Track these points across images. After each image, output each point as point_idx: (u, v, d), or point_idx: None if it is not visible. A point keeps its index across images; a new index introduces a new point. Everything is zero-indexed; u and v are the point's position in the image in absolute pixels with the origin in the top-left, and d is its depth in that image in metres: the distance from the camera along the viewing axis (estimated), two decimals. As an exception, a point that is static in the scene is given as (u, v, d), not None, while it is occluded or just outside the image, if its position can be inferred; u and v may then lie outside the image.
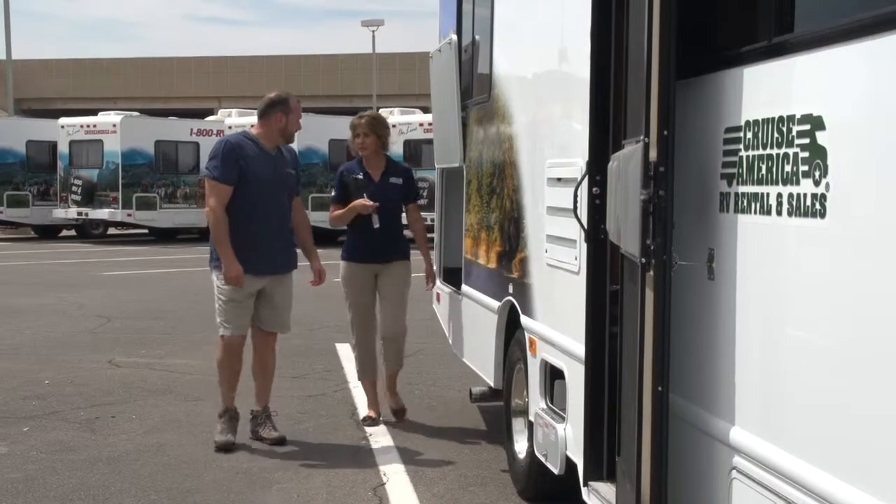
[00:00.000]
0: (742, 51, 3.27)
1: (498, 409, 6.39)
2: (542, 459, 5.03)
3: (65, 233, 29.63)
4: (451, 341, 7.46)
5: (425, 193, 23.65)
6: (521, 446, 5.68)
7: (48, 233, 29.06)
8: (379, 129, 7.06)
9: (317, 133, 25.69)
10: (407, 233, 7.34)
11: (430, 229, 7.57)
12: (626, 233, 3.53)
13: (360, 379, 7.25)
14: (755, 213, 3.12)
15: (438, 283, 7.56)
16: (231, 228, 6.31)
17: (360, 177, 7.00)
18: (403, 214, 7.25)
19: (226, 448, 6.30)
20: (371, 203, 6.89)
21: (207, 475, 5.56)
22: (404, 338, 7.20)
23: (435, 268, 7.48)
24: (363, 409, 7.51)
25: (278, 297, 6.57)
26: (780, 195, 2.97)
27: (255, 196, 6.36)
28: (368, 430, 6.92)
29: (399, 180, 7.10)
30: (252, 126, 6.65)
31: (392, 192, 7.03)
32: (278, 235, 6.48)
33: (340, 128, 26.79)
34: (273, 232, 6.45)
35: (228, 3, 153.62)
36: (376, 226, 6.91)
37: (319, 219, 25.11)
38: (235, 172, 6.32)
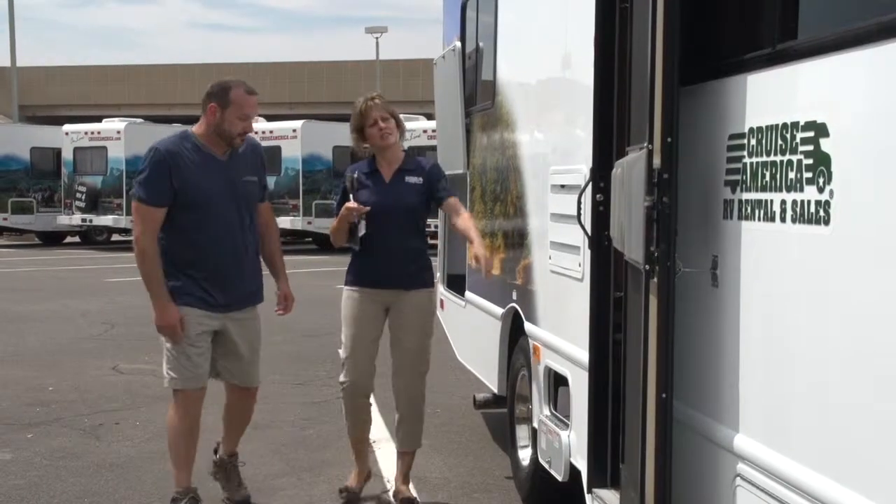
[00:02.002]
0: (746, 58, 3.27)
1: (502, 416, 6.38)
2: (546, 466, 5.03)
3: (69, 239, 29.69)
4: (454, 348, 7.46)
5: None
6: (524, 453, 5.68)
7: (52, 239, 29.10)
8: (394, 110, 5.48)
9: (320, 140, 25.78)
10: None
11: (435, 236, 7.35)
12: (630, 240, 3.53)
13: (349, 434, 5.71)
14: (759, 219, 3.11)
15: (442, 289, 7.51)
16: (171, 258, 5.03)
17: (356, 176, 5.42)
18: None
19: None
20: (356, 206, 5.30)
21: (211, 482, 5.55)
22: (423, 403, 5.62)
23: (438, 275, 7.18)
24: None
25: (242, 341, 5.23)
26: (783, 202, 2.97)
27: (200, 218, 5.00)
28: (372, 437, 6.91)
29: (419, 179, 5.37)
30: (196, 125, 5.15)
31: (408, 195, 5.36)
32: (234, 262, 5.12)
33: (344, 134, 26.51)
34: (226, 259, 5.09)
35: (232, 11, 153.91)
36: (360, 233, 5.32)
37: (323, 226, 25.23)
38: (168, 191, 4.93)
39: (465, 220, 5.36)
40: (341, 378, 5.61)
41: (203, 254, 5.04)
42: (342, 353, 5.59)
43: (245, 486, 5.54)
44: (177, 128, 28.97)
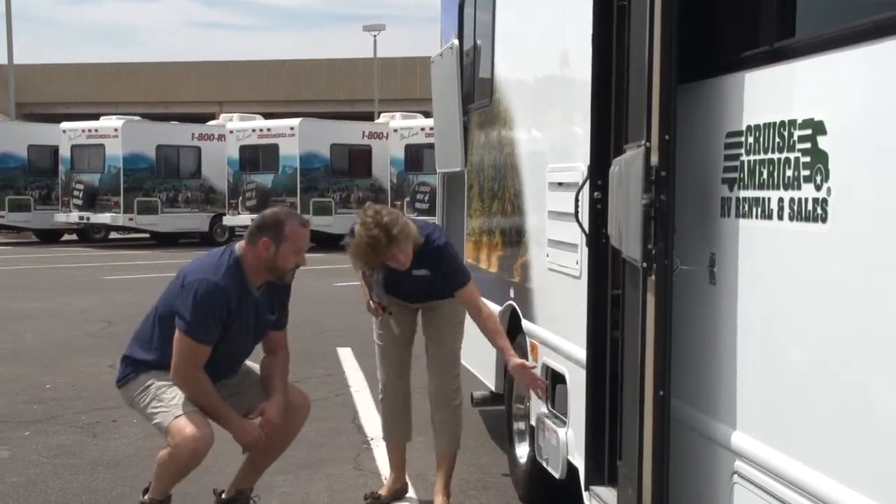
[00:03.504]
0: (744, 55, 3.28)
1: (499, 414, 6.39)
2: (544, 464, 5.03)
3: (66, 237, 29.66)
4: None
5: (427, 198, 23.80)
6: (522, 451, 5.68)
7: (50, 237, 29.09)
8: (407, 226, 5.01)
9: (318, 137, 25.77)
10: None
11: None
12: (628, 237, 3.53)
13: (384, 439, 5.75)
14: (756, 217, 3.12)
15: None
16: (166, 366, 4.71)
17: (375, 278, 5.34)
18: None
19: None
20: (378, 309, 5.36)
21: (208, 479, 5.55)
22: (459, 405, 5.49)
23: None
24: (365, 415, 7.50)
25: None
26: (781, 200, 2.97)
27: (216, 353, 4.70)
28: (370, 435, 6.92)
29: (425, 272, 5.17)
30: (242, 244, 4.76)
31: (417, 284, 5.25)
32: (229, 375, 4.95)
33: (342, 132, 26.95)
34: (224, 377, 4.89)
35: (230, 9, 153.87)
36: (396, 332, 5.43)
37: (320, 223, 25.25)
38: (220, 330, 4.67)
39: (490, 324, 5.16)
40: (378, 371, 5.60)
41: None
42: (377, 350, 5.57)
43: None
44: (175, 125, 29.10)
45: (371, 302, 5.38)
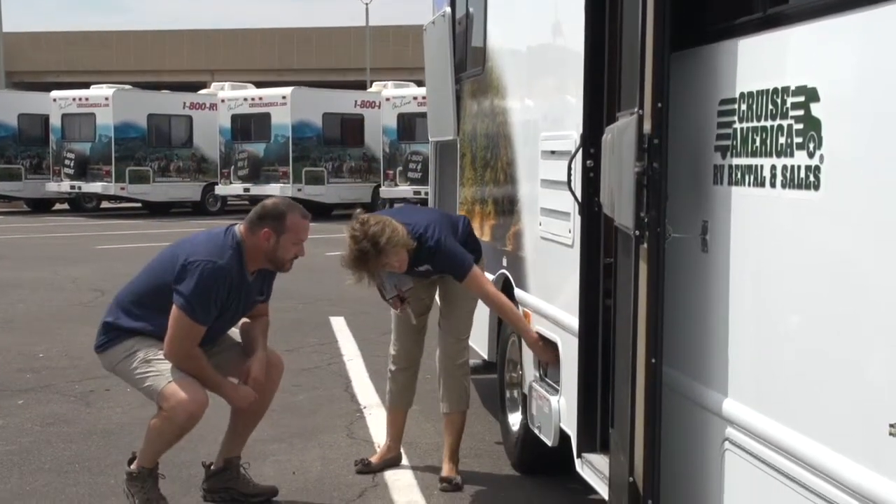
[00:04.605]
0: (737, 22, 3.27)
1: (492, 382, 6.41)
2: (536, 432, 5.05)
3: (58, 206, 29.59)
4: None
5: (419, 168, 23.77)
6: (514, 419, 5.70)
7: (41, 206, 29.00)
8: (401, 237, 4.99)
9: (310, 106, 25.68)
10: None
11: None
12: (620, 205, 3.53)
13: (388, 406, 5.78)
14: (749, 185, 3.12)
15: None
16: (157, 331, 4.74)
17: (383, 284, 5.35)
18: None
19: None
20: (396, 302, 5.37)
21: (202, 448, 5.57)
22: (465, 363, 5.50)
23: None
24: (358, 383, 7.52)
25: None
26: (774, 167, 2.97)
27: (207, 332, 4.76)
28: (363, 403, 6.94)
29: (426, 267, 5.23)
30: (242, 229, 4.80)
31: (423, 274, 5.33)
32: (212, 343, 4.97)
33: (334, 101, 26.87)
34: (207, 347, 4.87)
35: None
36: (413, 322, 5.47)
37: (313, 192, 25.25)
38: (217, 311, 4.74)
39: (506, 315, 5.22)
40: (392, 337, 5.63)
41: None
42: (392, 323, 5.63)
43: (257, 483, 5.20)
44: (166, 94, 28.97)
45: (388, 300, 5.38)
